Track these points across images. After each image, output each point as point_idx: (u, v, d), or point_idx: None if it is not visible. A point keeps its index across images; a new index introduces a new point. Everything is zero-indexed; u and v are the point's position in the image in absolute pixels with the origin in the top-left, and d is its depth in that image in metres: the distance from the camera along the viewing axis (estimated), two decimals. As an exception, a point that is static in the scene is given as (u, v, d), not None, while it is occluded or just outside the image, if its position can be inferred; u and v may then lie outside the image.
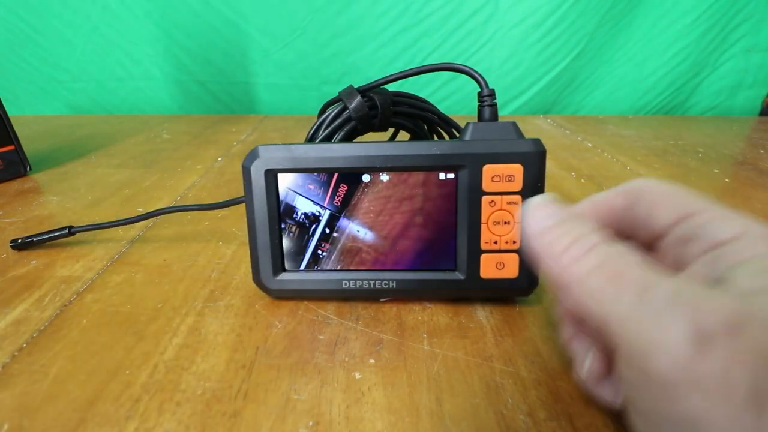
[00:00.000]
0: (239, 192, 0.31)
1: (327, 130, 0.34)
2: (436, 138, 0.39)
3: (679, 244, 0.19)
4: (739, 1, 0.88)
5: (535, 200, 0.20)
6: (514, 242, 0.29)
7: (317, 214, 0.30)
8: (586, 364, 0.21)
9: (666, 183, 0.21)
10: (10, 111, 0.56)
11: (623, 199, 0.21)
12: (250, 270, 0.31)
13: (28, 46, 0.95)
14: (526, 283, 0.30)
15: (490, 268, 0.29)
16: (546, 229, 0.19)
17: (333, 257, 0.31)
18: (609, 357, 0.20)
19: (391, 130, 0.40)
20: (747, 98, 0.97)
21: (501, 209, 0.28)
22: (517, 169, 0.28)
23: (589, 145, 0.71)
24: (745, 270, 0.16)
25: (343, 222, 0.30)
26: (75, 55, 0.96)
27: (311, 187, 0.29)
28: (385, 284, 0.30)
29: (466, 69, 0.31)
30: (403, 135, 0.41)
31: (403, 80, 0.34)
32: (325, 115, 0.35)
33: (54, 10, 0.92)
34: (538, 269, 0.19)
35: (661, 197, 0.20)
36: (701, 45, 0.91)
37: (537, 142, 0.28)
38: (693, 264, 0.18)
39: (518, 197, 0.28)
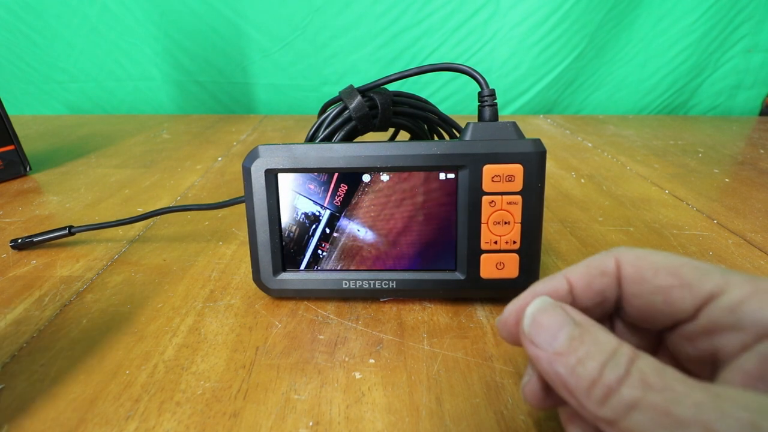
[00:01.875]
0: (239, 192, 0.31)
1: (327, 130, 0.34)
2: (436, 138, 0.39)
3: (706, 333, 0.16)
4: (740, 2, 0.88)
5: (536, 306, 0.18)
6: (514, 242, 0.29)
7: (317, 214, 0.30)
8: None
9: (652, 252, 0.18)
10: (9, 111, 0.56)
11: (611, 280, 0.18)
12: (250, 270, 0.31)
13: (27, 46, 0.95)
14: (526, 283, 0.29)
15: (490, 268, 0.29)
16: (564, 349, 0.16)
17: (333, 257, 0.31)
18: None
19: (391, 130, 0.40)
20: (747, 99, 0.97)
21: (501, 209, 0.28)
22: (517, 169, 0.28)
23: (589, 145, 0.71)
24: None
25: (343, 222, 0.30)
26: (73, 55, 0.96)
27: (311, 187, 0.29)
28: (385, 284, 0.30)
29: (466, 69, 0.31)
30: (404, 135, 0.41)
31: (403, 80, 0.34)
32: (325, 115, 0.35)
33: (52, 10, 0.92)
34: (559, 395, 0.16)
35: (669, 277, 0.17)
36: (702, 45, 0.91)
37: (537, 142, 0.28)
38: (740, 360, 0.15)
39: (518, 197, 0.28)
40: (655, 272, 0.17)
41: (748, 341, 0.15)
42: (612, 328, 0.20)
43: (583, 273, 0.19)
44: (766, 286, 0.15)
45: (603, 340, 0.15)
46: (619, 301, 0.19)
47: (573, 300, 0.19)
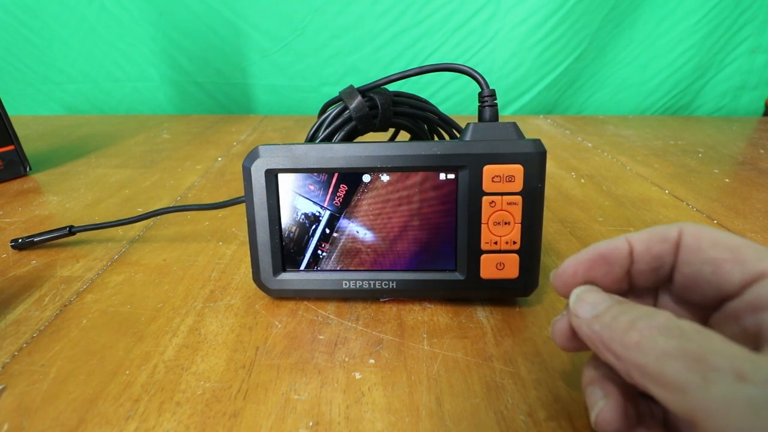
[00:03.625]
0: (239, 192, 0.31)
1: (327, 130, 0.34)
2: (436, 138, 0.39)
3: (752, 310, 0.16)
4: (743, 2, 0.88)
5: (582, 288, 0.19)
6: (515, 243, 0.29)
7: (317, 214, 0.30)
8: (595, 410, 0.19)
9: (718, 230, 0.18)
10: (7, 112, 0.56)
11: (670, 246, 0.19)
12: (250, 270, 0.31)
13: (24, 47, 0.95)
14: (526, 284, 0.30)
15: (490, 268, 0.29)
16: (602, 311, 0.17)
17: (333, 257, 0.31)
18: (626, 405, 0.18)
19: (391, 130, 0.40)
20: (751, 99, 0.97)
21: (501, 210, 0.28)
22: (517, 170, 0.28)
23: (589, 145, 0.71)
24: None
25: (343, 222, 0.30)
26: (71, 55, 0.96)
27: (311, 187, 0.29)
28: (385, 284, 0.30)
29: (467, 69, 0.31)
30: (404, 135, 0.41)
31: (403, 81, 0.34)
32: (325, 115, 0.35)
33: (50, 10, 0.92)
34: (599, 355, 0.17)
35: (726, 251, 0.17)
36: (705, 46, 0.91)
37: (537, 142, 0.28)
38: None
39: (518, 198, 0.28)
40: (713, 245, 0.18)
41: None
42: (658, 303, 0.21)
43: (645, 237, 0.19)
44: None
45: (641, 306, 0.16)
46: (672, 270, 0.19)
47: (632, 262, 0.19)
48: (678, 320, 0.15)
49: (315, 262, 0.31)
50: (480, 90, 0.30)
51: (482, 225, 0.29)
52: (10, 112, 0.57)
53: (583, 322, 0.18)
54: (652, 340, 0.15)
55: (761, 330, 0.16)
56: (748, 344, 0.16)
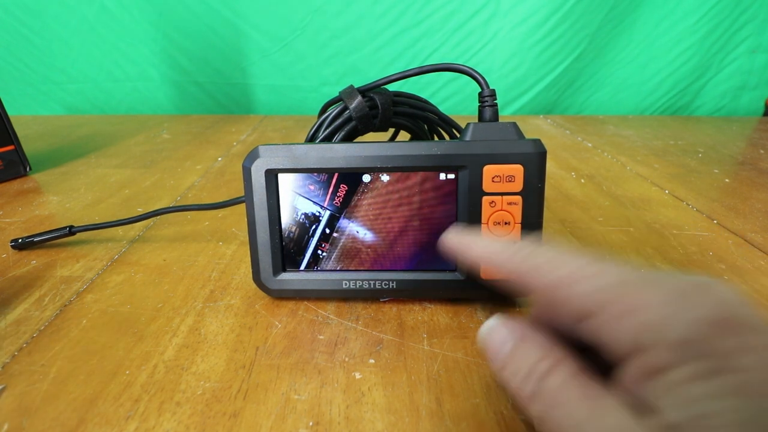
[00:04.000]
0: (239, 192, 0.31)
1: (327, 130, 0.34)
2: (436, 138, 0.39)
3: (637, 381, 0.16)
4: (743, 2, 0.88)
5: (487, 325, 0.20)
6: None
7: (317, 214, 0.30)
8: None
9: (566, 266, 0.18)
10: (7, 112, 0.56)
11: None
12: (250, 270, 0.31)
13: (25, 47, 0.95)
14: (527, 284, 0.30)
15: (490, 268, 0.29)
16: (504, 364, 0.18)
17: (333, 257, 0.31)
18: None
19: (391, 130, 0.40)
20: (751, 99, 0.97)
21: (501, 210, 0.28)
22: (517, 170, 0.28)
23: (590, 145, 0.71)
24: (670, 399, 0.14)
25: (343, 222, 0.30)
26: (71, 56, 0.96)
27: (311, 187, 0.29)
28: (385, 284, 0.30)
29: (467, 69, 0.31)
30: (404, 135, 0.41)
31: (403, 81, 0.34)
32: (325, 115, 0.35)
33: (51, 10, 0.92)
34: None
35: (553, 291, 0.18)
36: (705, 46, 0.91)
37: (537, 142, 0.28)
38: (627, 366, 0.16)
39: (519, 197, 0.28)
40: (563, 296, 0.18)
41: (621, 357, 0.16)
42: None
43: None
44: (618, 308, 0.16)
45: (531, 354, 0.18)
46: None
47: None
48: (551, 380, 0.16)
49: (315, 262, 0.31)
50: (480, 90, 0.30)
51: (482, 225, 0.29)
52: (10, 112, 0.57)
53: (493, 367, 0.19)
54: (529, 407, 0.17)
55: (646, 399, 0.16)
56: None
